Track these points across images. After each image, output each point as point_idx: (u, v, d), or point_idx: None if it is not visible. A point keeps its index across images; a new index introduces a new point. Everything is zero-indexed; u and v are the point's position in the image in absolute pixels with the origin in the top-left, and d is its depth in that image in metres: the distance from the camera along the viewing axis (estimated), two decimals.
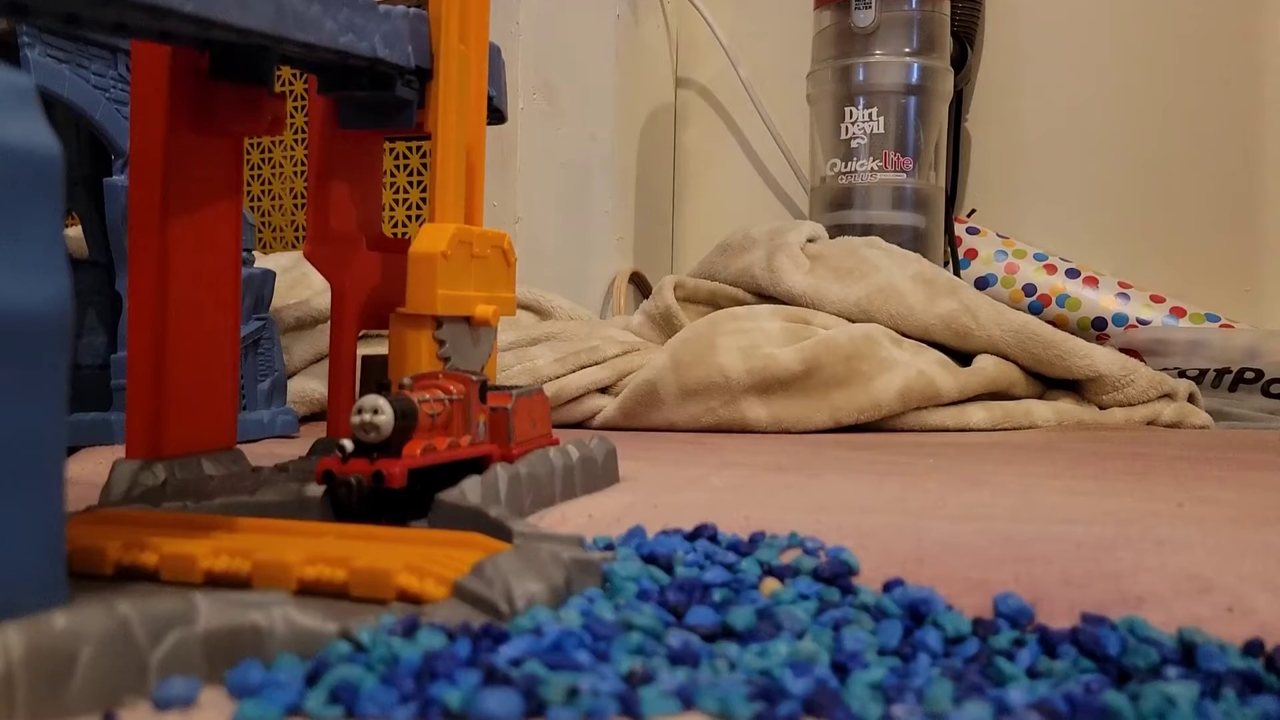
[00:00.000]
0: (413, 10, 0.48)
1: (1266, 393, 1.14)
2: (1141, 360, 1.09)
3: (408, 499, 0.40)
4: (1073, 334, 1.04)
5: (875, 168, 1.30)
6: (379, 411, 0.37)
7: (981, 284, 1.35)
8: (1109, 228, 1.42)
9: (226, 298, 0.48)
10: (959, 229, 1.41)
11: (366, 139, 0.56)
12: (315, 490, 0.41)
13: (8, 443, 0.23)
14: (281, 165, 1.54)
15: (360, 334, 0.55)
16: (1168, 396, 1.02)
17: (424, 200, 1.42)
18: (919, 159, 1.30)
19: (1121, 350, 1.10)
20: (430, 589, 0.30)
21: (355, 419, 0.37)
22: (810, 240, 1.12)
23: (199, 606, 0.26)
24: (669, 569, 0.36)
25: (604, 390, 0.95)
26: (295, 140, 1.52)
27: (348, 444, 0.38)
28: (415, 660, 0.26)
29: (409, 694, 0.24)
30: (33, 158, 0.23)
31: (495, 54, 0.57)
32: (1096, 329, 1.29)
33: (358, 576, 0.30)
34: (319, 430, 0.76)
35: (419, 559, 0.32)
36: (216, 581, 0.31)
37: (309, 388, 0.91)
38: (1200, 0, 1.36)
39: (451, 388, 0.42)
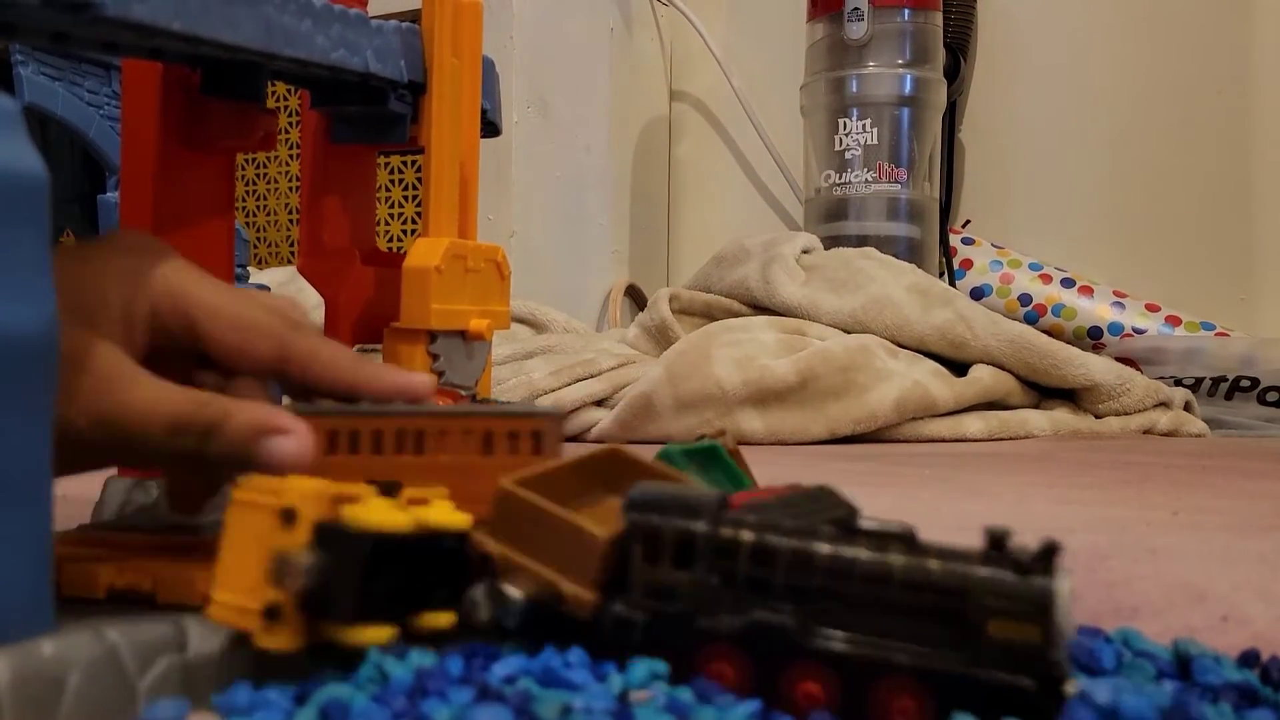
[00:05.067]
0: (405, 24, 0.48)
1: (1262, 400, 1.14)
2: (1137, 369, 1.09)
3: None
4: (1068, 343, 1.04)
5: (869, 179, 1.30)
6: None
7: (977, 294, 1.36)
8: (1104, 237, 1.42)
9: None
10: (954, 239, 1.41)
11: (359, 153, 0.56)
12: None
13: None
14: (276, 180, 1.54)
15: (355, 349, 0.55)
16: (1163, 405, 1.02)
17: (419, 215, 1.42)
18: (913, 170, 1.31)
19: (1117, 359, 1.10)
20: None
21: None
22: (805, 251, 1.12)
23: (189, 632, 0.26)
24: None
25: (599, 403, 0.95)
26: (290, 155, 1.52)
27: None
28: (407, 679, 0.25)
29: (401, 711, 0.24)
30: (19, 182, 0.23)
31: (489, 67, 0.57)
32: (1092, 338, 1.29)
33: None
34: None
35: None
36: None
37: None
38: (1192, 10, 1.37)
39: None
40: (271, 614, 0.24)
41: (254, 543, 0.25)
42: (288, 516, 0.24)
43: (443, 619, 0.27)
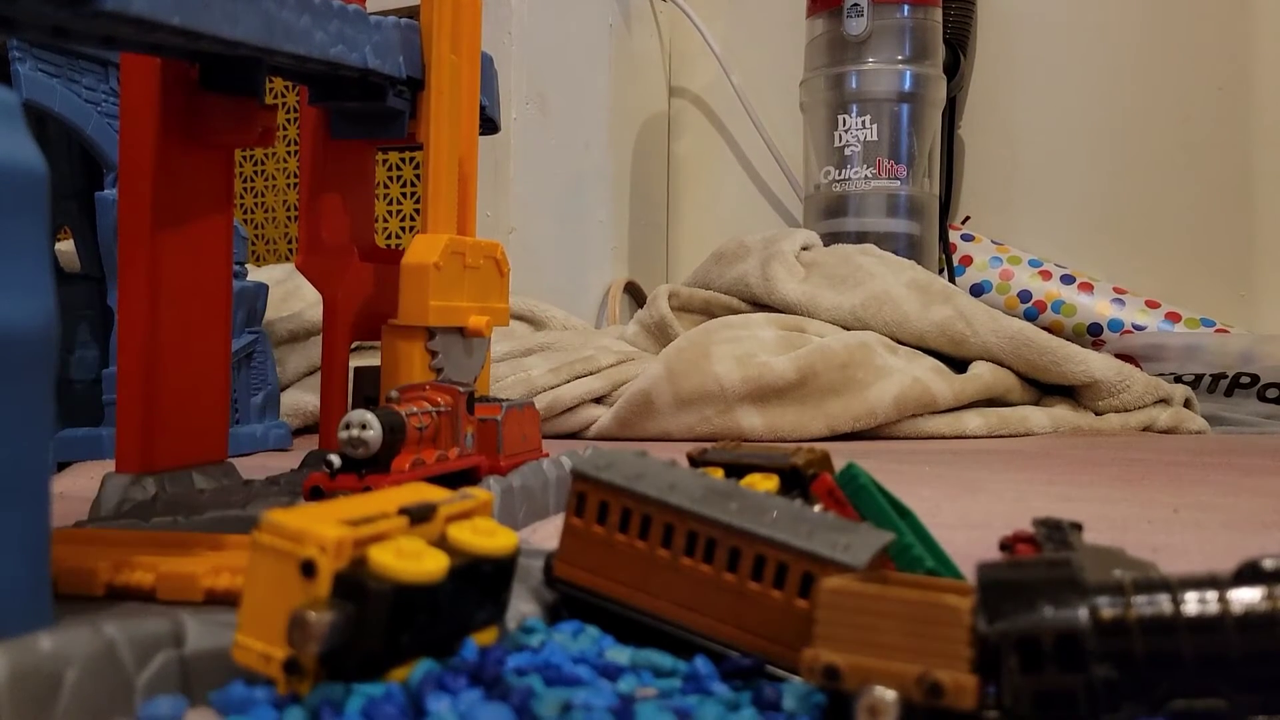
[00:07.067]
0: (404, 20, 0.48)
1: (1262, 397, 1.14)
2: (1137, 366, 1.09)
3: None
4: (1068, 340, 1.04)
5: (869, 175, 1.30)
6: (367, 426, 0.37)
7: (977, 290, 1.36)
8: (1104, 233, 1.42)
9: (218, 311, 0.47)
10: (954, 235, 1.41)
11: (358, 149, 0.56)
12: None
13: None
14: (274, 177, 1.54)
15: (354, 345, 0.55)
16: (1163, 402, 1.01)
17: (418, 212, 1.42)
18: (913, 166, 1.31)
19: (1117, 356, 1.10)
20: None
21: (343, 434, 0.37)
22: (805, 248, 1.12)
23: (187, 628, 0.26)
24: None
25: (599, 400, 0.95)
26: (288, 152, 1.52)
27: (335, 459, 0.37)
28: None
29: (401, 707, 0.24)
30: (18, 176, 0.23)
31: (488, 63, 0.57)
32: (1092, 335, 1.29)
33: None
34: (312, 443, 0.76)
35: None
36: (219, 600, 0.31)
37: (302, 400, 0.91)
38: (1193, 8, 1.37)
39: (439, 399, 0.42)
40: (291, 668, 0.23)
41: (275, 591, 0.23)
42: (307, 569, 0.23)
43: (486, 639, 0.26)
